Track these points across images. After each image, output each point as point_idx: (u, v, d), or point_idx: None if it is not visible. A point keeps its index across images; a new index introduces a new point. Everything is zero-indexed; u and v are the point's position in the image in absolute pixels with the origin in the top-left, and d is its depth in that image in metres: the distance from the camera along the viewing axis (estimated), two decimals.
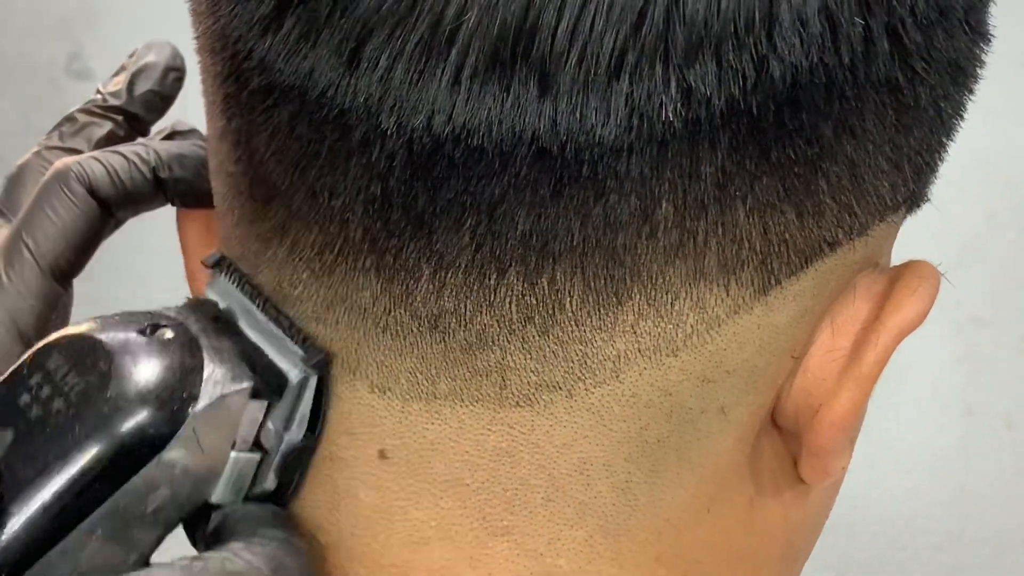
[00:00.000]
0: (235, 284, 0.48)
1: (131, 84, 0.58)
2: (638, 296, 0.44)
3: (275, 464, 0.47)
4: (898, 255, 0.51)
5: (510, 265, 0.44)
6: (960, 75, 0.47)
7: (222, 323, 0.48)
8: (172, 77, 0.59)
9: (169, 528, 0.46)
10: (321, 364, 0.46)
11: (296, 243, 0.46)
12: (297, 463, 0.47)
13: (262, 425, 0.47)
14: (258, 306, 0.47)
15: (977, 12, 0.47)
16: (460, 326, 0.45)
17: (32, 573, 0.43)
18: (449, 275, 0.44)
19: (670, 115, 0.42)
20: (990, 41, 0.48)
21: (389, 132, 0.42)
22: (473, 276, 0.44)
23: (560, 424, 0.46)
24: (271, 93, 0.44)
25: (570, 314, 0.44)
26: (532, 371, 0.45)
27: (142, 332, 0.46)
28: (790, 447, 0.50)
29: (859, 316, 0.48)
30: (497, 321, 0.44)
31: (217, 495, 0.47)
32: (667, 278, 0.44)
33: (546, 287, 0.44)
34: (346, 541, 0.48)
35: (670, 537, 0.48)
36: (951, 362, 1.75)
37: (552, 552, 0.47)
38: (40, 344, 0.47)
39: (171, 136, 0.57)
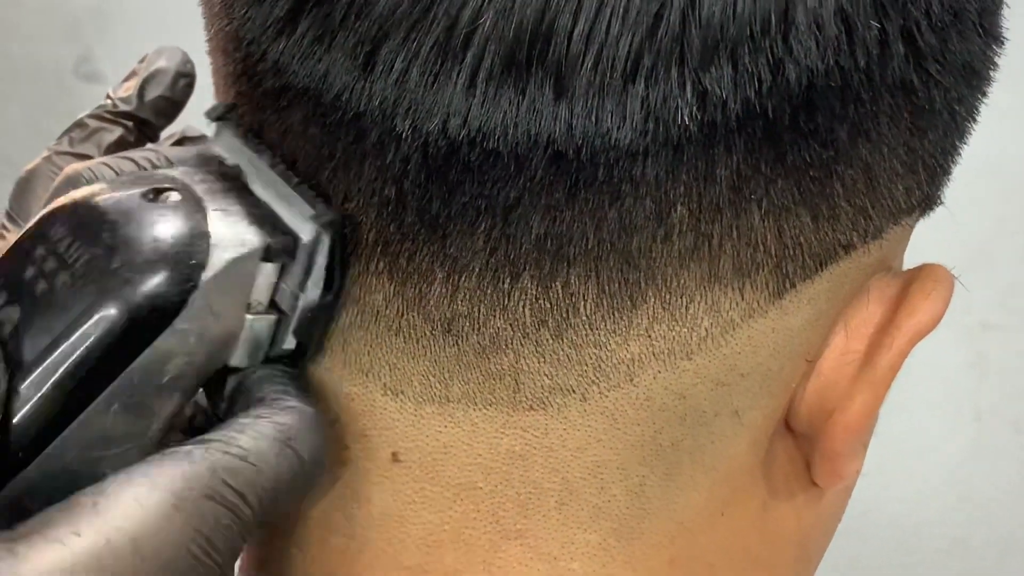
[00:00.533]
0: (242, 138, 0.47)
1: (142, 89, 0.58)
2: (652, 299, 0.44)
3: (293, 325, 0.46)
4: (909, 259, 0.51)
5: (524, 269, 0.44)
6: (974, 78, 0.47)
7: (229, 181, 0.46)
8: (183, 83, 0.58)
9: (188, 395, 0.45)
10: (335, 223, 0.45)
11: None
12: (315, 322, 0.46)
13: (277, 286, 0.46)
14: (267, 162, 0.46)
15: (990, 14, 0.47)
16: (473, 329, 0.45)
17: (50, 451, 0.42)
18: (463, 278, 0.44)
19: (686, 118, 0.42)
20: (1003, 44, 0.48)
21: (404, 135, 0.42)
22: (487, 280, 0.44)
23: (574, 428, 0.46)
24: (285, 94, 0.44)
25: (584, 318, 0.44)
26: (546, 375, 0.45)
27: (146, 196, 0.44)
28: (803, 451, 0.50)
29: (873, 320, 0.48)
30: (511, 325, 0.44)
31: (235, 359, 0.46)
32: (682, 281, 0.44)
33: (560, 291, 0.44)
34: (359, 543, 0.48)
35: (683, 540, 0.48)
36: (960, 367, 1.75)
37: (566, 556, 0.47)
38: (43, 212, 0.45)
39: (181, 142, 0.57)
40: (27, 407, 0.42)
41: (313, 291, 0.45)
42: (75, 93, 1.91)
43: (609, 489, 0.47)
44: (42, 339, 0.42)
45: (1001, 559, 1.72)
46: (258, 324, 0.46)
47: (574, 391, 0.45)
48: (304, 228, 0.45)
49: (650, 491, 0.47)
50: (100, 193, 0.45)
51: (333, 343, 0.47)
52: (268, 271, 0.45)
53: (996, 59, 0.48)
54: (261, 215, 0.46)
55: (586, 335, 0.45)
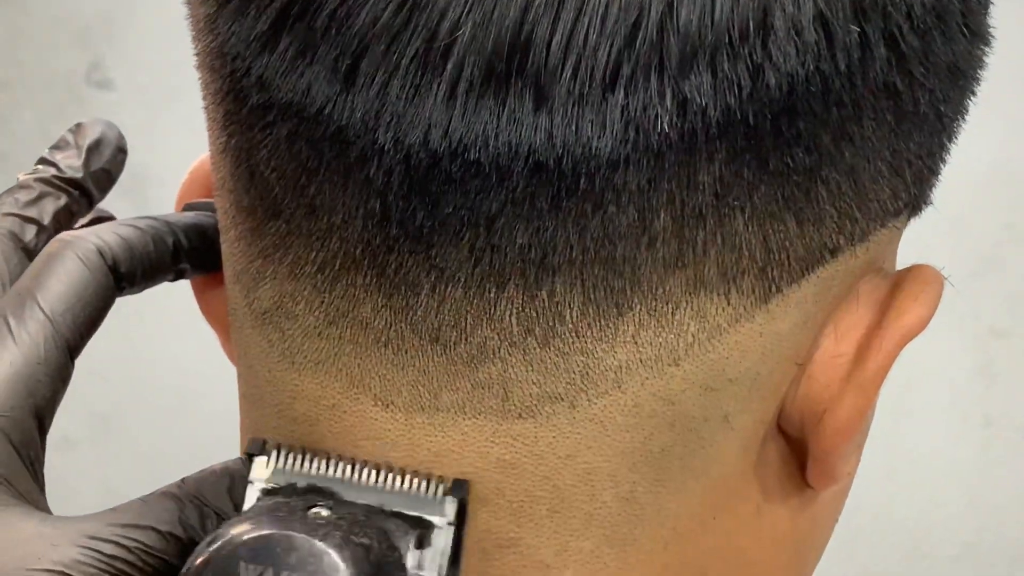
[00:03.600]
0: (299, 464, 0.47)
1: (87, 159, 0.55)
2: (638, 306, 0.45)
3: None
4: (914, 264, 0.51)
5: (509, 278, 0.44)
6: (960, 78, 0.47)
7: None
8: (120, 157, 0.56)
9: None
10: (461, 493, 0.46)
11: (297, 259, 0.46)
12: None
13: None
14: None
15: (975, 15, 0.47)
16: (461, 339, 0.45)
17: None
18: (449, 289, 0.44)
19: (666, 126, 0.42)
20: (990, 43, 0.48)
21: (386, 147, 0.43)
22: (473, 290, 0.44)
23: (563, 435, 0.46)
24: (270, 110, 0.45)
25: (570, 325, 0.45)
26: (534, 383, 0.45)
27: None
28: (796, 453, 0.50)
29: (862, 322, 0.48)
30: (498, 334, 0.45)
31: None
32: (667, 288, 0.44)
33: (546, 299, 0.44)
34: None
35: (676, 546, 0.48)
36: (969, 373, 1.74)
37: (559, 563, 0.47)
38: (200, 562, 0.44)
39: (97, 221, 0.55)
40: None
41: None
42: (86, 100, 1.91)
43: (600, 496, 0.47)
44: None
45: (1011, 565, 1.72)
46: None
47: (562, 399, 0.45)
48: (435, 515, 0.46)
49: (641, 497, 0.47)
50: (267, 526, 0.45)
51: (324, 357, 0.47)
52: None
53: (984, 59, 0.48)
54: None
55: (573, 343, 0.45)
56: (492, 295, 0.44)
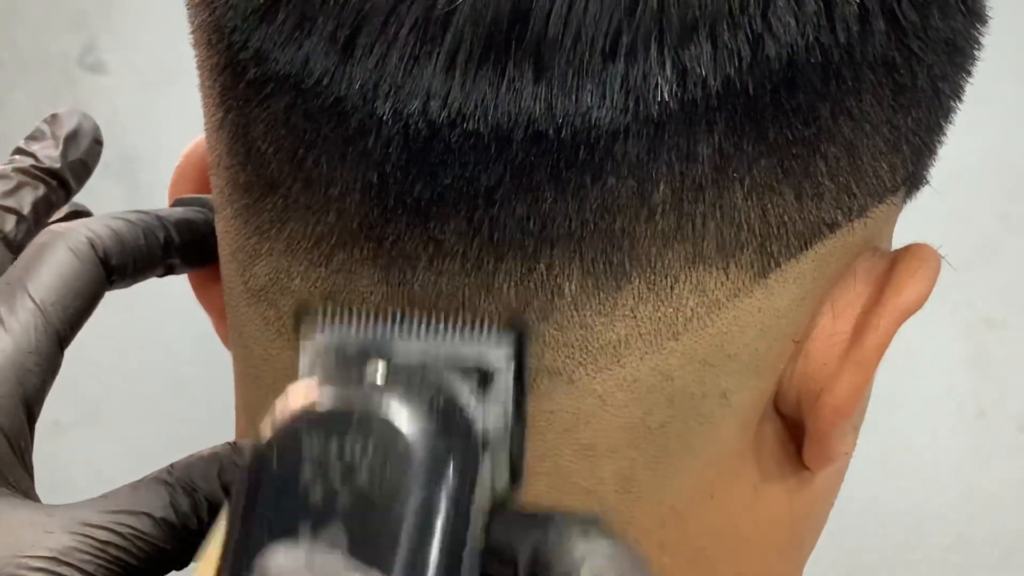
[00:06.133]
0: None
1: (65, 149, 0.55)
2: (637, 280, 0.44)
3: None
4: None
5: (507, 251, 0.44)
6: (957, 55, 0.47)
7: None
8: (97, 149, 0.56)
9: None
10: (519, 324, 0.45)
11: (294, 234, 0.46)
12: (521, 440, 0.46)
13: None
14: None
15: None
16: (458, 313, 0.45)
17: None
18: (447, 262, 0.44)
19: (666, 96, 0.42)
20: (986, 22, 0.48)
21: (385, 119, 0.43)
22: (471, 262, 0.44)
23: (562, 410, 0.46)
24: (267, 83, 0.44)
25: (569, 299, 0.44)
26: (533, 356, 0.45)
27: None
28: (793, 433, 0.50)
29: (859, 300, 0.48)
30: (495, 306, 0.44)
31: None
32: (666, 261, 0.44)
33: (544, 272, 0.44)
34: None
35: (674, 524, 0.48)
36: (963, 363, 1.74)
37: None
38: (275, 434, 0.43)
39: (73, 215, 0.55)
40: None
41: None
42: (80, 83, 1.91)
43: (599, 472, 0.47)
44: (387, 539, 0.41)
45: (1004, 555, 1.72)
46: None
47: (560, 373, 0.45)
48: (490, 356, 0.45)
49: (640, 474, 0.47)
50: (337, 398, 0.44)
51: None
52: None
53: (981, 38, 0.48)
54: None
55: (571, 316, 0.45)
56: (490, 268, 0.44)
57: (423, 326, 0.45)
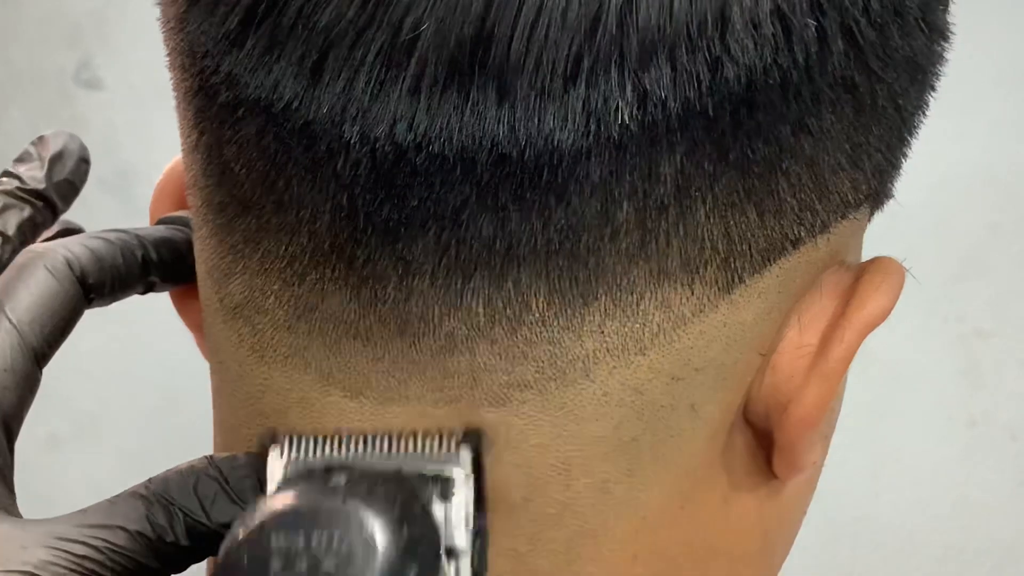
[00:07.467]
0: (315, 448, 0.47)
1: (50, 170, 0.55)
2: (604, 297, 0.45)
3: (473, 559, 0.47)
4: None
5: (475, 269, 0.44)
6: (919, 73, 0.47)
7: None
8: (84, 168, 0.57)
9: None
10: (475, 441, 0.47)
11: (267, 254, 0.47)
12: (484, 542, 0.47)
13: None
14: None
15: (933, 11, 0.47)
16: (429, 330, 0.45)
17: None
18: (416, 281, 0.45)
19: (626, 118, 0.42)
20: (949, 39, 0.48)
21: (353, 142, 0.43)
22: (440, 281, 0.45)
23: (535, 424, 0.47)
24: (239, 107, 0.45)
25: (537, 315, 0.45)
26: (503, 371, 0.46)
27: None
28: (763, 443, 0.51)
29: (825, 313, 0.49)
30: (465, 324, 0.45)
31: None
32: (631, 279, 0.45)
33: (512, 290, 0.45)
34: None
35: (646, 535, 0.49)
36: (954, 374, 1.75)
37: (533, 553, 0.48)
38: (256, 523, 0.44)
39: (65, 233, 0.55)
40: None
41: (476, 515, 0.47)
42: (76, 99, 1.91)
43: (574, 485, 0.47)
44: None
45: (997, 565, 1.72)
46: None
47: (531, 387, 0.46)
48: (449, 466, 0.46)
49: (614, 487, 0.48)
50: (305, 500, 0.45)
51: (293, 350, 0.48)
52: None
53: (943, 53, 0.48)
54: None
55: (540, 332, 0.45)
56: (459, 286, 0.45)
57: (386, 443, 0.46)
